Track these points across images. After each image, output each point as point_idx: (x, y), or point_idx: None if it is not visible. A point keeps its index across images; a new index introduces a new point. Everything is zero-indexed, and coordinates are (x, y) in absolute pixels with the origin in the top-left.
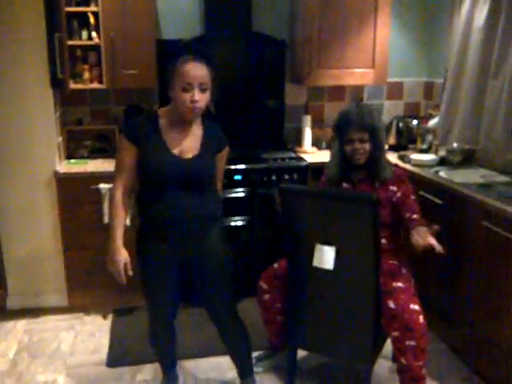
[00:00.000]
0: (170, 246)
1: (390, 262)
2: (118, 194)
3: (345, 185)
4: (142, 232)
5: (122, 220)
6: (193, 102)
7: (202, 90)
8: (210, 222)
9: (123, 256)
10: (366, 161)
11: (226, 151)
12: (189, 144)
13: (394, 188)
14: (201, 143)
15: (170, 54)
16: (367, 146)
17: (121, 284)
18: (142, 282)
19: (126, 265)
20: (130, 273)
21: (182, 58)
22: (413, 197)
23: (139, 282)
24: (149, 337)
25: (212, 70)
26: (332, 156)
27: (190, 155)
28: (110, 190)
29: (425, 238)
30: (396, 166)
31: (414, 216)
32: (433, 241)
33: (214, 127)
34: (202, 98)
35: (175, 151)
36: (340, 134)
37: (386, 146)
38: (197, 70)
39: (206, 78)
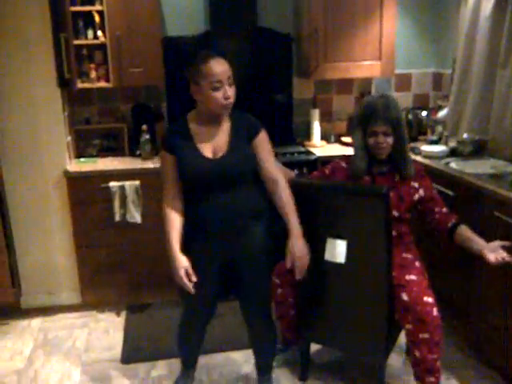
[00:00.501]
0: (213, 246)
1: (403, 255)
2: (167, 208)
3: (366, 178)
4: (186, 232)
5: (175, 230)
6: (226, 98)
7: (230, 85)
8: (253, 218)
9: (182, 264)
10: (387, 155)
11: (262, 136)
12: (220, 141)
13: (416, 184)
14: (230, 137)
15: (179, 54)
16: (390, 140)
17: (189, 293)
18: None
19: (188, 272)
20: (194, 279)
21: (200, 56)
22: (434, 190)
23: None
24: (180, 329)
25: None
26: (356, 149)
27: (221, 154)
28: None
29: (502, 254)
30: (414, 161)
31: (444, 210)
32: (509, 258)
33: (242, 115)
34: (232, 93)
35: (207, 153)
36: (363, 125)
37: None
38: (220, 66)
39: (230, 70)
